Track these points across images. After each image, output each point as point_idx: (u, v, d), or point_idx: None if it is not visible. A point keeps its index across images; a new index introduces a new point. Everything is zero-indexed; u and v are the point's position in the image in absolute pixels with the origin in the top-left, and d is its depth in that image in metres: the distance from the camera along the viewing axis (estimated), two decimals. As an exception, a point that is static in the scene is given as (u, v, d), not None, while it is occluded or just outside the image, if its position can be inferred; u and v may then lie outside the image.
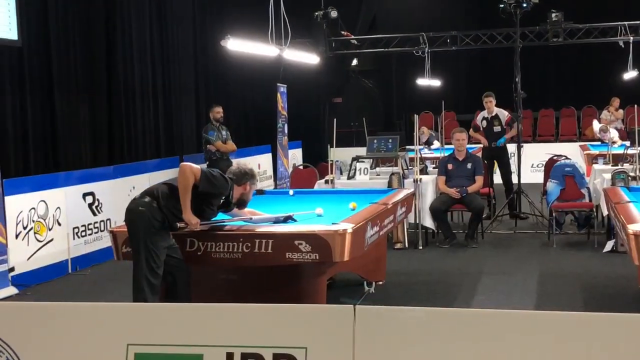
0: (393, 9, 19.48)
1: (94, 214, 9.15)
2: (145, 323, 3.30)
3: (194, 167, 5.34)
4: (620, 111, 15.37)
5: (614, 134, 12.67)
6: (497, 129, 11.01)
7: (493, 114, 11.03)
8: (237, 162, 5.96)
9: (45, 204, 8.33)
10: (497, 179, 11.32)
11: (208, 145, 11.15)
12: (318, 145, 16.72)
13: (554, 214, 9.35)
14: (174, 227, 5.37)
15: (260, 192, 8.10)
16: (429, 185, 9.53)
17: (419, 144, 13.93)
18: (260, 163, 14.42)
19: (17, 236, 7.89)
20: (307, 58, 11.98)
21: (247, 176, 5.65)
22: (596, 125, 13.85)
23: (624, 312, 3.01)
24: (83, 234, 8.92)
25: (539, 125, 18.29)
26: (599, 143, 13.38)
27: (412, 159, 10.04)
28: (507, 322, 3.06)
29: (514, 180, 10.92)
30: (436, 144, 13.71)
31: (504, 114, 10.99)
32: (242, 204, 5.74)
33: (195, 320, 3.26)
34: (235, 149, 11.59)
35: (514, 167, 11.34)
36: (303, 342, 3.11)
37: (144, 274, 5.26)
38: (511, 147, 11.86)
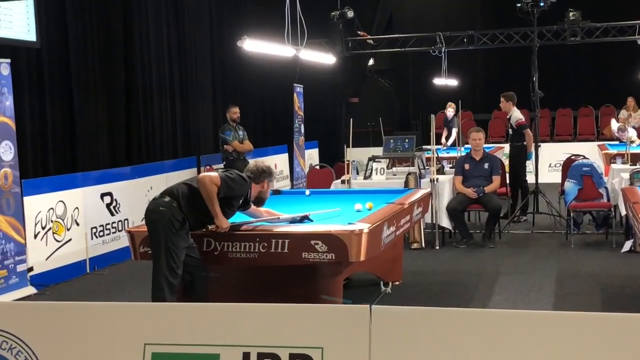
0: (409, 8, 19.46)
1: (112, 214, 9.20)
2: (162, 322, 3.31)
3: (213, 177, 5.37)
4: None
5: (632, 133, 12.59)
6: (510, 131, 10.97)
7: (508, 116, 10.97)
8: (255, 161, 5.99)
9: (64, 204, 8.39)
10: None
11: (225, 146, 11.19)
12: (334, 145, 16.71)
13: (571, 214, 9.31)
14: (203, 228, 5.43)
15: (277, 192, 8.12)
16: (446, 185, 9.50)
17: (447, 118, 14.19)
18: (276, 163, 14.44)
19: (35, 236, 7.96)
20: (323, 58, 11.98)
21: (264, 174, 5.68)
22: (614, 125, 13.77)
23: (642, 313, 2.99)
24: (101, 233, 8.97)
25: (557, 125, 18.20)
26: (617, 142, 13.30)
27: (428, 159, 10.02)
28: (524, 323, 3.04)
29: (531, 180, 10.85)
30: (453, 132, 13.73)
31: (515, 118, 10.85)
32: (260, 201, 5.78)
33: (211, 320, 3.27)
34: (252, 149, 11.62)
35: (530, 168, 11.24)
36: (319, 342, 3.11)
37: (164, 273, 5.29)
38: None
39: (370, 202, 6.55)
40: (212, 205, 5.33)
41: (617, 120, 14.38)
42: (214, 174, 5.44)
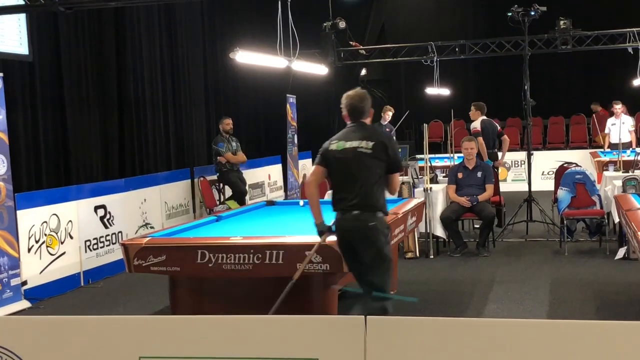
0: (401, 18, 19.54)
1: (106, 227, 9.18)
2: (157, 335, 3.31)
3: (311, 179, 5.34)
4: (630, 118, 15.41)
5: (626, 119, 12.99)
6: None
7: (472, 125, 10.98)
8: None
9: (57, 217, 8.37)
10: (507, 187, 11.27)
11: (218, 157, 11.21)
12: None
13: (565, 222, 9.33)
14: None
15: (271, 202, 8.13)
16: (439, 194, 9.52)
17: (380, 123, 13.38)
18: (270, 174, 14.44)
19: (29, 250, 7.93)
20: (316, 69, 12.01)
21: None
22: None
23: (637, 320, 3.00)
24: (95, 246, 8.95)
25: (549, 133, 18.25)
26: (609, 150, 13.36)
27: (422, 168, 10.03)
28: (519, 331, 3.05)
29: (524, 188, 10.85)
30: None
31: (472, 126, 10.81)
32: None
33: (206, 331, 3.27)
34: (245, 160, 11.64)
35: (523, 175, 11.25)
36: (314, 353, 3.12)
37: (388, 283, 5.12)
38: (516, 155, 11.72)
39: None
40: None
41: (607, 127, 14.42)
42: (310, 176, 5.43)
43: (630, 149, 12.80)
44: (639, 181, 8.89)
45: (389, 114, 13.68)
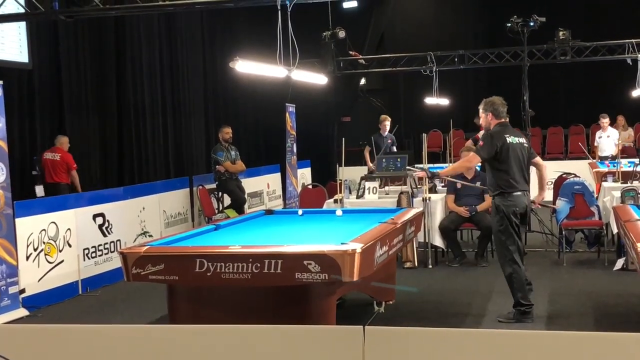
0: (401, 28, 19.58)
1: (104, 235, 9.17)
2: (155, 344, 3.30)
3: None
4: (630, 130, 15.48)
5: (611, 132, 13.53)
6: None
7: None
8: None
9: (56, 225, 8.36)
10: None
11: (217, 166, 11.22)
12: (327, 164, 16.73)
13: (563, 232, 9.33)
14: None
15: (270, 211, 8.12)
16: (438, 204, 9.52)
17: (381, 136, 12.38)
18: (269, 182, 14.45)
19: (27, 258, 7.93)
20: (315, 78, 12.03)
21: None
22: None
23: (635, 332, 2.99)
24: (93, 255, 8.94)
25: (548, 143, 18.26)
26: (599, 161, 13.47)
27: (420, 178, 10.02)
28: (517, 343, 3.04)
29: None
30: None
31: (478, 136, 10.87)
32: None
33: (204, 341, 3.26)
34: (245, 168, 11.64)
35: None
36: (313, 363, 3.11)
37: None
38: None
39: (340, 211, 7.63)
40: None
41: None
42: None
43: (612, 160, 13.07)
44: (638, 192, 8.89)
45: (386, 124, 12.67)
